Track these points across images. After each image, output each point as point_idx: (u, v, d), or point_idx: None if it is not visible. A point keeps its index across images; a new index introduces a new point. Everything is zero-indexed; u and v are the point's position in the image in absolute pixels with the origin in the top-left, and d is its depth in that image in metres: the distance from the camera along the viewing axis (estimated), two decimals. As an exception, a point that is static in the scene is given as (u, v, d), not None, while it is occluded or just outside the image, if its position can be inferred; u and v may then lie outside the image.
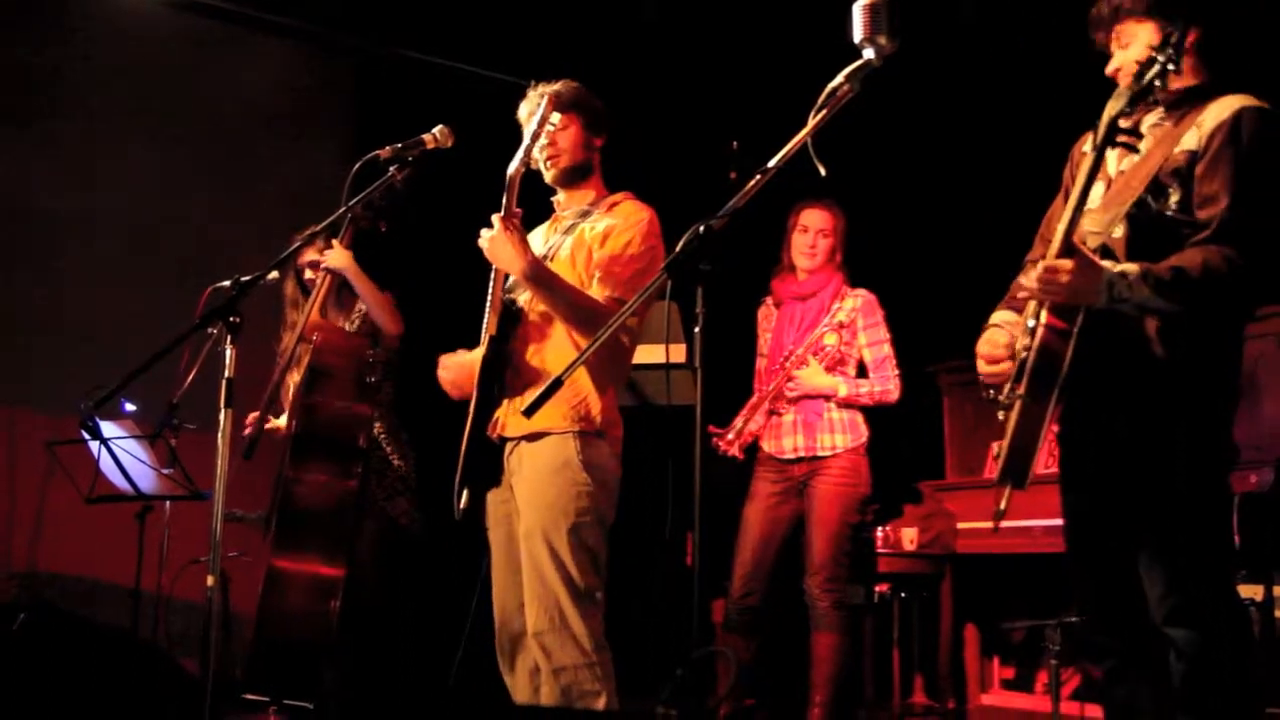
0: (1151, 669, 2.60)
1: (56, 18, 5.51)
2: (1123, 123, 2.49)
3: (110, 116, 5.55)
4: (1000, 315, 2.83)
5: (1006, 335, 2.74)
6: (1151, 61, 2.42)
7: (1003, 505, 2.60)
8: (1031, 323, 2.58)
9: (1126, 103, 2.47)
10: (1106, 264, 2.51)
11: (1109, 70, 2.70)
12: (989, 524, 4.74)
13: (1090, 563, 2.71)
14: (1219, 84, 2.63)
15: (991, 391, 2.69)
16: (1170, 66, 2.41)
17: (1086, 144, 2.79)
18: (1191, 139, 2.56)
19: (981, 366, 2.78)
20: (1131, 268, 2.49)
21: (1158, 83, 2.43)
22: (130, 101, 5.60)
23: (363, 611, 4.16)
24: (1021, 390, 2.54)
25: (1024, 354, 2.57)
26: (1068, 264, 2.46)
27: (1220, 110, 2.56)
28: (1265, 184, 2.51)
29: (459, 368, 3.21)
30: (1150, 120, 2.67)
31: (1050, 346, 2.51)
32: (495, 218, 3.01)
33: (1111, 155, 2.66)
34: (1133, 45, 2.61)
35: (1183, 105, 2.62)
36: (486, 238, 3.03)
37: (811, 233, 4.56)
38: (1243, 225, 2.48)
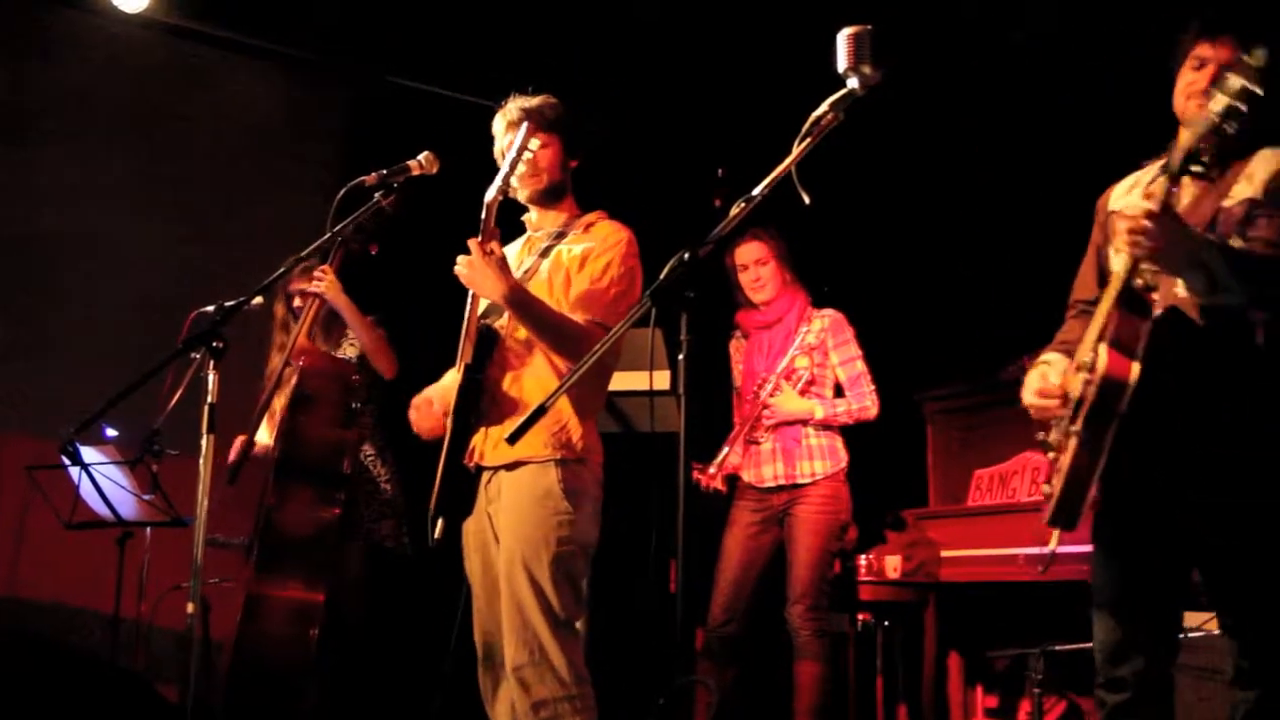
0: (1163, 703, 2.57)
1: (48, 44, 5.51)
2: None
3: (99, 141, 5.54)
4: (1050, 356, 2.75)
5: (1058, 372, 2.66)
6: (1236, 112, 2.36)
7: (1052, 547, 2.54)
8: (1089, 357, 2.47)
9: (1201, 136, 2.41)
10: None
11: (1199, 86, 2.57)
12: (972, 552, 4.74)
13: (1131, 600, 2.61)
14: (1256, 137, 2.58)
15: (1041, 434, 2.63)
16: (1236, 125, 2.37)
17: (1112, 200, 2.78)
18: (1245, 188, 2.54)
19: (1029, 398, 2.68)
20: (1210, 238, 2.44)
21: (1227, 128, 2.39)
22: (120, 127, 5.60)
23: (346, 634, 4.14)
24: (1077, 426, 2.46)
25: (1081, 389, 2.48)
26: (1157, 212, 2.36)
27: (1269, 161, 2.55)
28: None
29: (429, 412, 3.13)
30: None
31: (1113, 376, 2.40)
32: (472, 243, 2.93)
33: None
34: (1230, 76, 2.45)
35: (1227, 158, 2.58)
36: (464, 264, 2.94)
37: (751, 267, 4.58)
38: None
